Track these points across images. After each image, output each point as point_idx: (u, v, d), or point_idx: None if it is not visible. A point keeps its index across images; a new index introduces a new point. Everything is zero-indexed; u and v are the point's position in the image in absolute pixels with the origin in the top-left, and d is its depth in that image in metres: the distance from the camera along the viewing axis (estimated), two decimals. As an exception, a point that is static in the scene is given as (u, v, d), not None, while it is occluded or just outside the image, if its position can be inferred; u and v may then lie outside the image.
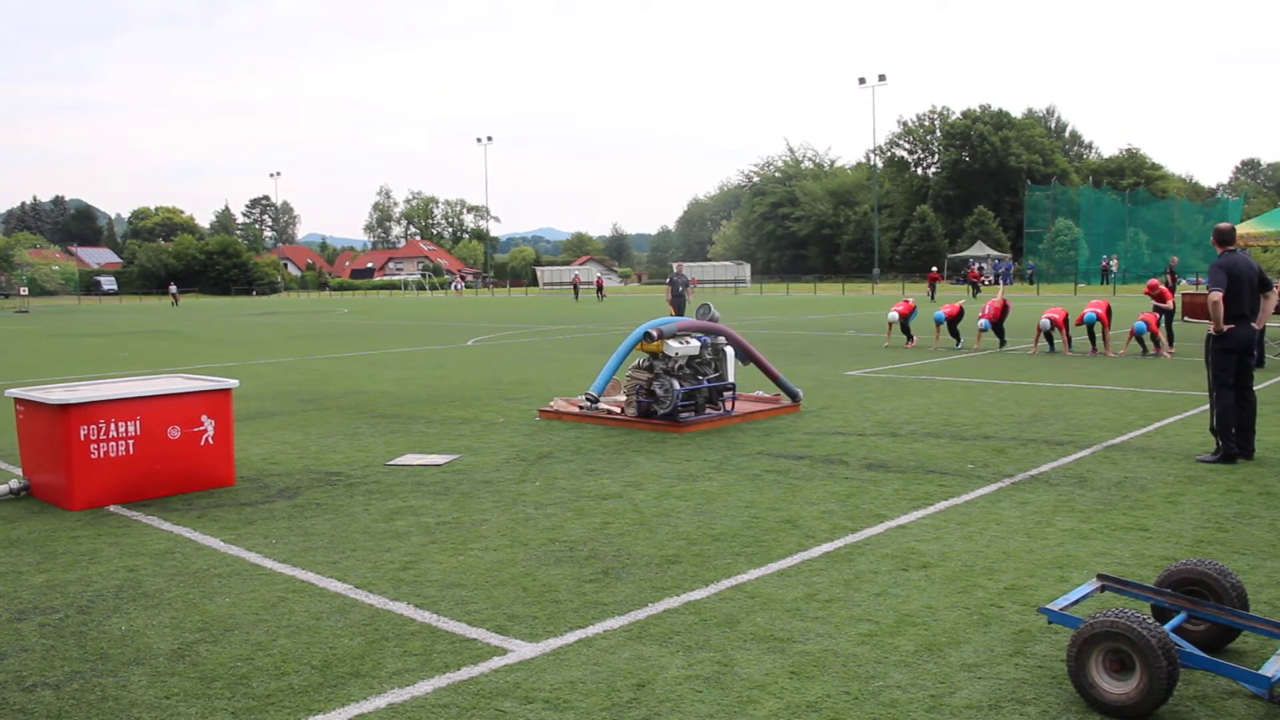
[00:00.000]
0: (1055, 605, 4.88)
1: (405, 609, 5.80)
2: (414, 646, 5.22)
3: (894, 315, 22.93)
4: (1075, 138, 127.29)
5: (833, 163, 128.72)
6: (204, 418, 9.14)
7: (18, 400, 9.13)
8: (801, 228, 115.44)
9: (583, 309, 53.20)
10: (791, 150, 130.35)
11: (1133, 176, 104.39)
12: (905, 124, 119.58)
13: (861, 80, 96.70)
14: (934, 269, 67.73)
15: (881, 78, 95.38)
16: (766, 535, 7.24)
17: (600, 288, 75.71)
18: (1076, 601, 5.00)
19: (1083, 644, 4.43)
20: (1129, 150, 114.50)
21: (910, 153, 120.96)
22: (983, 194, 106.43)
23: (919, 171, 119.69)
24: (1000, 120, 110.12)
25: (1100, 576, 5.23)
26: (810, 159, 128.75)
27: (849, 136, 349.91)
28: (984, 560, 6.56)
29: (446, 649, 5.17)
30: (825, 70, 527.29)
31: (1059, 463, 9.64)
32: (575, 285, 74.62)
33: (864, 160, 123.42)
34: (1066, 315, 21.42)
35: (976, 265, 74.50)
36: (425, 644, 5.25)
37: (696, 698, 4.56)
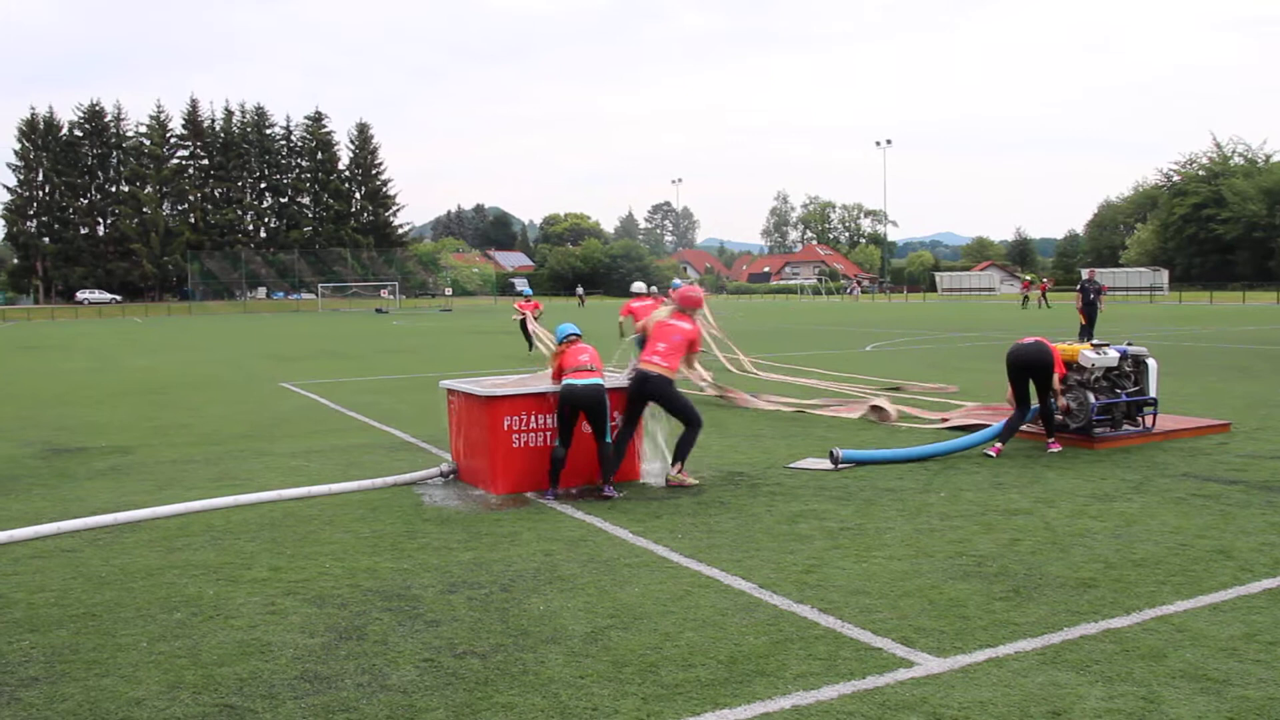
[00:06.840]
0: None
1: (809, 612, 5.79)
2: (819, 650, 5.20)
3: None
4: None
5: (1268, 158, 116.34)
6: (615, 414, 9.55)
7: (450, 391, 9.92)
8: (1229, 230, 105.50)
9: (994, 315, 51.42)
10: (1219, 145, 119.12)
11: None
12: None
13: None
14: None
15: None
16: (1195, 565, 6.65)
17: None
18: None
19: None
20: None
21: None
22: None
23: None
24: None
25: None
26: (1241, 154, 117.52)
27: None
28: None
29: (851, 656, 5.12)
30: (1263, 52, 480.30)
31: None
32: (1024, 293, 68.11)
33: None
34: None
35: None
36: (830, 649, 5.21)
37: (1120, 733, 4.25)
